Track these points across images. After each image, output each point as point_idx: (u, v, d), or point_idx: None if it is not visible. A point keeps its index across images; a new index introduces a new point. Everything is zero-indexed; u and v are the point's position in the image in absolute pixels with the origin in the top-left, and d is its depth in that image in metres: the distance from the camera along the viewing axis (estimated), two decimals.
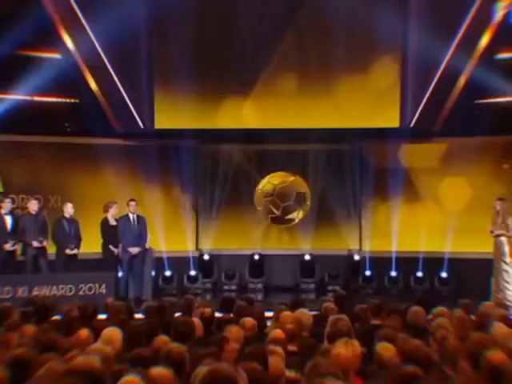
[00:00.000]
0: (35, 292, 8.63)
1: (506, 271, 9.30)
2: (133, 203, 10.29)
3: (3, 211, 9.55)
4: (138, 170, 11.69)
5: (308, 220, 12.07)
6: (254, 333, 4.98)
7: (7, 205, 9.66)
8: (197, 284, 11.73)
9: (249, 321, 5.11)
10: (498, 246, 9.40)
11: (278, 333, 4.65)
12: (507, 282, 9.27)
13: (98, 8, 10.23)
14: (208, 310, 5.64)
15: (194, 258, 11.93)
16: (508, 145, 11.47)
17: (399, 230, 11.59)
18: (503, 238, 9.38)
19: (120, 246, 10.12)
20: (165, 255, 11.33)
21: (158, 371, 3.19)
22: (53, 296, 8.45)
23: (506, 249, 9.36)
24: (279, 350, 3.99)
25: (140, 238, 10.20)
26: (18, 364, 3.52)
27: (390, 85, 11.41)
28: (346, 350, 3.71)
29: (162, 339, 4.25)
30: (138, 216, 10.30)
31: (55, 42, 10.84)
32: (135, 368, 3.46)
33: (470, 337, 4.02)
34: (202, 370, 3.08)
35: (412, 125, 11.66)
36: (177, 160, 11.59)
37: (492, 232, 9.45)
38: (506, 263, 9.33)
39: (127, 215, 10.27)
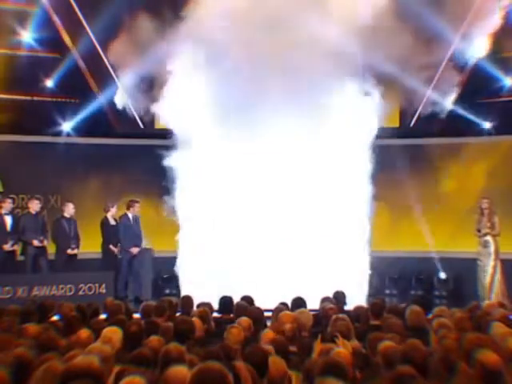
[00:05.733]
0: (35, 292, 8.63)
1: (495, 269, 9.41)
2: (137, 204, 10.31)
3: (3, 211, 9.55)
4: (137, 169, 11.67)
5: None
6: (250, 332, 4.97)
7: (7, 205, 9.66)
8: None
9: (245, 320, 5.10)
10: (484, 246, 9.50)
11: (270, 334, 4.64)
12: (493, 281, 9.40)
13: (97, 6, 10.27)
14: (201, 310, 5.66)
15: None
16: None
17: (403, 230, 11.58)
18: (489, 238, 9.47)
19: (119, 245, 10.14)
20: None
21: (176, 370, 3.17)
22: (52, 296, 8.45)
23: (492, 248, 9.45)
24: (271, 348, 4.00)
25: (138, 238, 10.22)
26: (19, 364, 3.52)
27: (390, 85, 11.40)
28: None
29: (155, 339, 4.24)
30: (135, 216, 10.32)
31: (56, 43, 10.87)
32: (136, 368, 3.46)
33: (467, 337, 4.02)
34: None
35: (412, 125, 11.67)
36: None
37: (479, 231, 9.53)
38: (493, 262, 9.43)
39: (126, 215, 10.28)
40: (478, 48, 10.48)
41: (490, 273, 9.43)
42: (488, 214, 9.55)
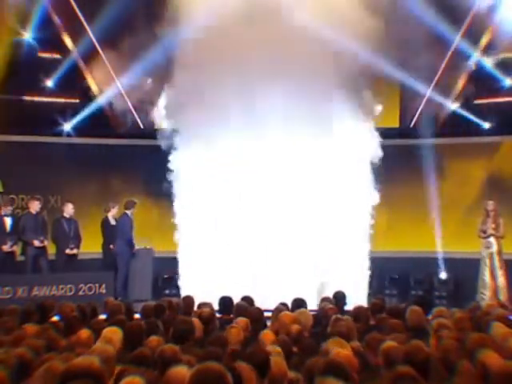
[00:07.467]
0: (35, 292, 8.63)
1: (501, 271, 9.44)
2: (136, 206, 10.32)
3: (2, 212, 9.54)
4: (137, 169, 11.68)
5: None
6: (247, 332, 4.96)
7: (7, 208, 9.67)
8: None
9: (242, 320, 5.10)
10: (486, 247, 9.53)
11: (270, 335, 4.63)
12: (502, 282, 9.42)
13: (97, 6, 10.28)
14: (206, 310, 5.62)
15: None
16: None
17: (403, 230, 11.58)
18: (492, 239, 9.50)
19: (118, 244, 10.11)
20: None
21: (177, 370, 3.17)
22: (52, 296, 8.44)
23: (495, 249, 9.48)
24: (279, 350, 3.99)
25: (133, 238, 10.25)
26: (19, 364, 3.52)
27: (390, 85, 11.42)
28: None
29: (155, 339, 4.24)
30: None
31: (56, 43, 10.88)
32: (136, 368, 3.46)
33: (468, 337, 4.02)
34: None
35: (412, 125, 11.67)
36: None
37: (485, 232, 9.55)
38: (499, 263, 9.45)
39: (127, 215, 10.25)
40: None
41: (497, 274, 9.45)
42: (493, 215, 9.58)
